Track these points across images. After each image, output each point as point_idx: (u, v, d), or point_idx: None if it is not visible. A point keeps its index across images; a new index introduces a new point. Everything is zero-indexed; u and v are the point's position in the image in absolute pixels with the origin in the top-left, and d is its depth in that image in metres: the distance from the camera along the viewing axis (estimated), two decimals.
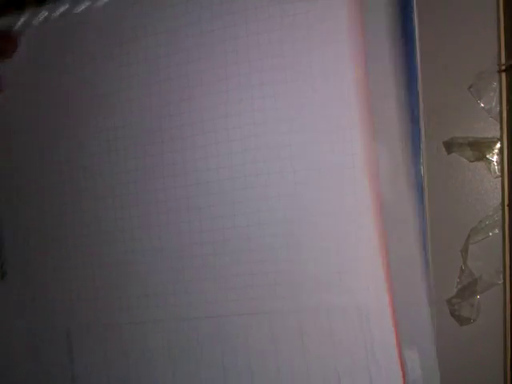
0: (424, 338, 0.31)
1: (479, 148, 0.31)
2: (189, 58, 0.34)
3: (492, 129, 0.31)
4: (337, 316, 0.33)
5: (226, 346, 0.35)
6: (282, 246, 0.33)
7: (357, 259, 0.32)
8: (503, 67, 0.30)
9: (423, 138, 0.32)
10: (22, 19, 0.38)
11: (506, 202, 0.31)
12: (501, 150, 0.31)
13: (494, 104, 0.31)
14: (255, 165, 0.33)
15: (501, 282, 0.31)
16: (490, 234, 0.31)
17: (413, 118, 0.32)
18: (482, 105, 0.31)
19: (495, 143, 0.31)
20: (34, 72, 0.38)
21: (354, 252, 0.32)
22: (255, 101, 0.33)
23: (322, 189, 0.32)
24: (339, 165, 0.32)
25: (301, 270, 0.33)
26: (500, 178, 0.31)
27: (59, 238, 0.38)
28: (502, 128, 0.31)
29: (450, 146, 0.32)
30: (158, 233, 0.35)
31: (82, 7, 0.37)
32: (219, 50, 0.34)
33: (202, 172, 0.34)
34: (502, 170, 0.31)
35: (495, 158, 0.31)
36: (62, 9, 0.37)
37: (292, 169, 0.32)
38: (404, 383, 0.31)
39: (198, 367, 0.35)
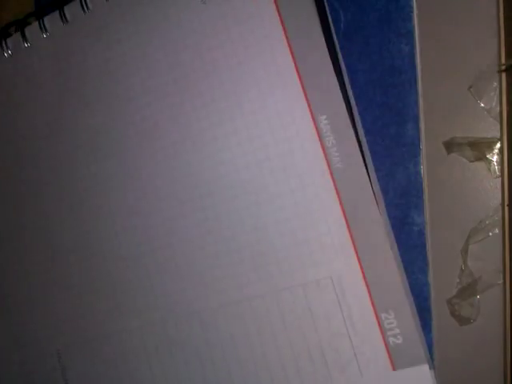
0: (399, 301, 0.32)
1: (479, 148, 0.31)
2: None
3: (492, 129, 0.31)
4: (312, 290, 0.33)
5: (212, 339, 0.35)
6: (252, 230, 0.34)
7: (323, 232, 0.33)
8: (503, 67, 0.30)
9: (423, 139, 0.32)
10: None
11: (506, 202, 0.31)
12: (501, 150, 0.31)
13: (494, 104, 0.31)
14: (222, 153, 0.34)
15: (501, 282, 0.31)
16: (490, 234, 0.31)
17: (413, 118, 0.32)
18: (482, 105, 0.31)
19: (495, 143, 0.31)
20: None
21: (320, 225, 0.33)
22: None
23: (279, 170, 0.33)
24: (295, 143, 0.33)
25: (272, 251, 0.34)
26: (500, 178, 0.31)
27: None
28: (502, 128, 0.31)
29: (449, 146, 0.32)
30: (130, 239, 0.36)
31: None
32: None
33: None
34: (502, 170, 0.31)
35: (495, 158, 0.31)
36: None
37: (255, 157, 0.34)
38: (385, 347, 0.32)
39: (186, 364, 0.36)
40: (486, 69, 0.31)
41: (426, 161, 0.32)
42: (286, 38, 0.33)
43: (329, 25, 0.33)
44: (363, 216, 0.32)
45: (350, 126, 0.32)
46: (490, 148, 0.31)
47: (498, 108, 0.31)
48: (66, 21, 0.37)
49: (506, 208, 0.31)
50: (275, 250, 0.34)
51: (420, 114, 0.32)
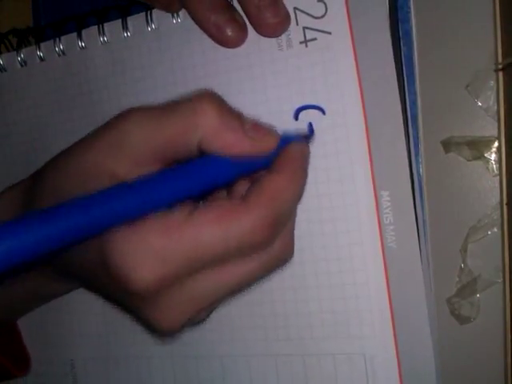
0: None
1: (477, 147, 0.31)
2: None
3: (490, 128, 0.31)
4: (342, 363, 0.33)
5: None
6: (290, 287, 0.33)
7: (364, 307, 0.32)
8: (500, 66, 0.30)
9: (421, 138, 0.32)
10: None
11: (505, 201, 0.31)
12: (499, 148, 0.31)
13: (491, 103, 0.31)
14: None
15: (500, 280, 0.31)
16: (489, 232, 0.31)
17: (411, 118, 0.32)
18: (480, 104, 0.31)
19: (493, 142, 0.31)
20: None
21: (362, 300, 0.32)
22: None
23: (330, 234, 0.33)
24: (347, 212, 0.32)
25: (307, 313, 0.33)
26: (498, 177, 0.31)
27: None
28: (499, 127, 0.31)
29: (447, 145, 0.32)
30: None
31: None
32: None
33: None
34: (500, 169, 0.31)
35: (493, 157, 0.31)
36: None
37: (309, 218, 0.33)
38: None
39: None
40: (483, 68, 0.31)
41: (424, 160, 0.32)
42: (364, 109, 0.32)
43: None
44: (408, 301, 0.31)
45: (412, 206, 0.31)
46: (488, 147, 0.31)
47: (496, 107, 0.31)
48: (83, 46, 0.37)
49: (505, 206, 0.31)
50: (311, 312, 0.33)
51: (418, 114, 0.32)
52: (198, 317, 0.29)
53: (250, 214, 0.26)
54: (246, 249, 0.27)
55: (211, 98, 0.27)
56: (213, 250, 0.26)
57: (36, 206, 0.29)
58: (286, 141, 0.29)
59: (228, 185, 0.30)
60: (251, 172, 0.29)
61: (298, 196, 0.30)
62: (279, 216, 0.27)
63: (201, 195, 0.27)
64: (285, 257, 0.30)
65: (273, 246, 0.28)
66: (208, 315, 0.30)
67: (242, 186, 0.30)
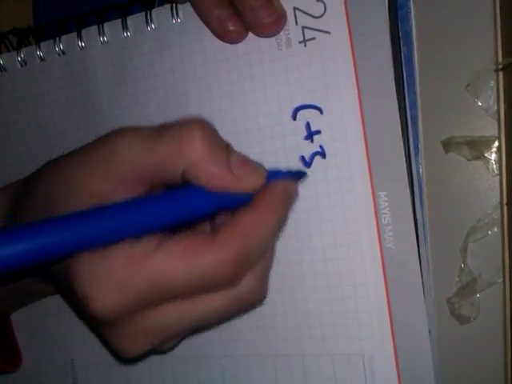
0: None
1: (477, 147, 0.31)
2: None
3: (490, 127, 0.31)
4: (341, 363, 0.33)
5: None
6: (288, 289, 0.33)
7: (362, 307, 0.32)
8: (500, 66, 0.30)
9: (421, 138, 0.32)
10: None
11: (505, 201, 0.31)
12: (499, 148, 0.31)
13: (491, 103, 0.31)
14: None
15: (500, 280, 0.31)
16: (489, 232, 0.31)
17: (411, 118, 0.32)
18: (480, 104, 0.31)
19: (493, 142, 0.31)
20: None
21: (360, 300, 0.32)
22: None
23: (329, 235, 0.32)
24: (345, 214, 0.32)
25: (306, 314, 0.33)
26: (498, 177, 0.31)
27: None
28: (499, 127, 0.31)
29: (447, 145, 0.32)
30: None
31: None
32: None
33: None
34: (500, 169, 0.31)
35: (493, 157, 0.31)
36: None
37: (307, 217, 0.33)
38: None
39: None
40: (483, 68, 0.31)
41: (424, 160, 0.32)
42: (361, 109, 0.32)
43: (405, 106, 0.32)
44: (406, 301, 0.31)
45: (410, 206, 0.31)
46: (488, 147, 0.31)
47: (496, 107, 0.31)
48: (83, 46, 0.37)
49: (505, 206, 0.31)
50: (309, 313, 0.33)
51: (418, 114, 0.32)
52: (163, 346, 0.29)
53: (216, 250, 0.26)
54: (209, 285, 0.27)
55: (201, 126, 0.27)
56: (175, 284, 0.26)
57: (22, 213, 0.29)
58: (273, 177, 0.29)
59: (208, 217, 0.30)
60: (232, 206, 0.28)
61: (271, 235, 0.29)
62: (247, 254, 0.27)
63: (180, 225, 0.27)
64: (254, 298, 0.29)
65: (241, 285, 0.28)
66: (176, 344, 0.31)
67: (223, 218, 0.30)
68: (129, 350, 0.28)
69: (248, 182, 0.28)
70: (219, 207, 0.28)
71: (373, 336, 0.32)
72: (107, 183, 0.26)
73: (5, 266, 0.21)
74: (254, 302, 0.29)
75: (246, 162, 0.28)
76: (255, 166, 0.28)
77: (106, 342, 0.29)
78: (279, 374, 0.33)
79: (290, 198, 0.30)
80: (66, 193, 0.27)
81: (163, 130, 0.27)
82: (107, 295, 0.25)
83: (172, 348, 0.31)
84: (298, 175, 0.32)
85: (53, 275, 0.29)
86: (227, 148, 0.28)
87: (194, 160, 0.26)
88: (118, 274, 0.25)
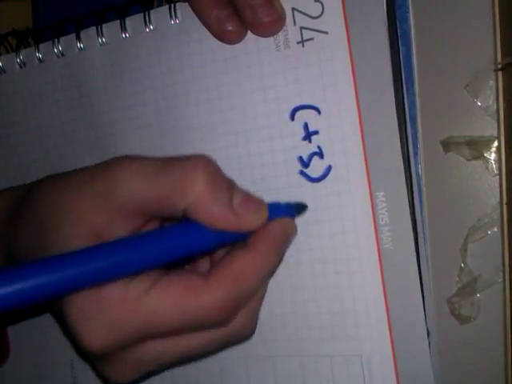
0: None
1: (477, 147, 0.31)
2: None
3: (489, 127, 0.31)
4: (339, 364, 0.33)
5: None
6: (287, 289, 0.33)
7: (360, 308, 0.32)
8: (499, 66, 0.30)
9: (421, 138, 0.32)
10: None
11: (505, 201, 0.31)
12: (498, 148, 0.31)
13: (490, 102, 0.31)
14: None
15: (500, 280, 0.31)
16: (489, 232, 0.31)
17: (410, 118, 0.32)
18: (479, 103, 0.31)
19: (493, 142, 0.31)
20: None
21: (358, 301, 0.32)
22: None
23: (327, 235, 0.32)
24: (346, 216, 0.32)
25: (304, 315, 0.33)
26: (498, 177, 0.31)
27: None
28: (499, 126, 0.31)
29: (447, 145, 0.32)
30: None
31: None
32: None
33: None
34: (499, 169, 0.31)
35: (493, 157, 0.31)
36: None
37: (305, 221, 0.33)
38: None
39: None
40: (482, 68, 0.31)
41: (423, 160, 0.32)
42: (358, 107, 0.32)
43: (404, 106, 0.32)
44: (405, 302, 0.31)
45: (407, 207, 0.31)
46: (488, 146, 0.31)
47: (495, 106, 0.31)
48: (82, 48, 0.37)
49: (505, 206, 0.31)
50: (308, 313, 0.33)
51: (417, 114, 0.32)
52: (152, 373, 0.30)
53: (209, 293, 0.26)
54: (201, 327, 0.27)
55: (204, 165, 0.27)
56: (166, 326, 0.26)
57: (18, 227, 0.29)
58: (272, 214, 0.29)
59: (206, 253, 0.31)
60: (231, 242, 0.29)
61: (266, 276, 0.29)
62: (240, 298, 0.27)
63: (176, 261, 0.27)
64: (244, 334, 0.30)
65: (231, 324, 0.28)
66: (165, 369, 0.32)
67: (221, 253, 0.30)
68: (118, 379, 0.28)
69: (249, 223, 0.28)
70: (217, 244, 0.28)
71: (371, 337, 0.32)
72: (106, 214, 0.26)
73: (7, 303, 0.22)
74: (242, 338, 0.30)
75: (248, 201, 0.28)
76: (257, 206, 0.28)
77: (96, 371, 0.30)
78: (278, 375, 0.33)
79: (288, 239, 0.30)
80: (64, 218, 0.26)
81: (166, 166, 0.27)
82: (98, 333, 0.26)
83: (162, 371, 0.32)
84: (299, 209, 0.32)
85: (46, 305, 0.29)
86: (230, 187, 0.28)
87: (196, 199, 0.26)
88: (109, 313, 0.26)
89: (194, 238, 0.27)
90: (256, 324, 0.31)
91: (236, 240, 0.28)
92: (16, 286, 0.22)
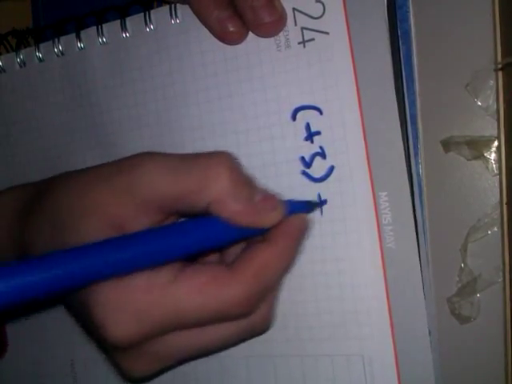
0: None
1: (477, 146, 0.31)
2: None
3: (489, 127, 0.31)
4: (340, 364, 0.33)
5: None
6: (287, 289, 0.33)
7: (362, 308, 0.32)
8: (500, 65, 0.30)
9: (421, 138, 0.32)
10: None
11: (505, 200, 0.31)
12: (498, 148, 0.31)
13: (491, 102, 0.31)
14: None
15: (500, 279, 0.31)
16: (489, 232, 0.31)
17: (410, 117, 0.32)
18: (479, 103, 0.31)
19: (493, 141, 0.31)
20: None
21: (360, 301, 0.32)
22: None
23: (329, 235, 0.33)
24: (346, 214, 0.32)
25: (305, 315, 0.33)
26: (498, 177, 0.31)
27: None
28: (499, 126, 0.31)
29: (447, 144, 0.32)
30: None
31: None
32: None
33: None
34: (499, 169, 0.31)
35: (493, 157, 0.31)
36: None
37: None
38: None
39: None
40: (482, 67, 0.31)
41: (424, 160, 0.32)
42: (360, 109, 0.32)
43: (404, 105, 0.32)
44: (407, 301, 0.31)
45: (410, 206, 0.31)
46: (488, 146, 0.31)
47: (495, 106, 0.31)
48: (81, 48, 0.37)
49: (505, 206, 0.31)
50: (309, 313, 0.33)
51: (417, 114, 0.32)
52: (171, 367, 0.30)
53: (234, 285, 0.27)
54: (223, 317, 0.27)
55: (227, 162, 0.27)
56: (192, 316, 0.26)
57: (33, 221, 0.29)
58: (290, 211, 0.29)
59: (225, 247, 0.31)
60: (249, 237, 0.29)
61: (287, 269, 0.30)
62: (264, 289, 0.28)
63: (195, 255, 0.28)
64: (263, 326, 0.30)
65: (253, 315, 0.28)
66: (186, 363, 0.32)
67: (235, 247, 0.30)
68: (138, 372, 0.28)
69: (269, 219, 0.28)
70: (237, 238, 0.29)
71: (372, 336, 0.32)
72: (129, 208, 0.27)
73: (23, 296, 0.22)
74: (262, 329, 0.30)
75: (267, 198, 0.28)
76: (276, 203, 0.29)
77: (114, 363, 0.29)
78: (278, 374, 0.33)
79: (305, 234, 0.31)
80: (85, 212, 0.27)
81: (190, 162, 0.27)
82: (124, 325, 0.26)
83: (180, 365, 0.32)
84: (312, 206, 0.32)
85: (65, 298, 0.29)
86: (251, 184, 0.28)
87: (219, 196, 0.27)
88: (135, 304, 0.26)
89: (216, 232, 0.27)
90: (274, 317, 0.31)
91: (254, 235, 0.29)
92: (42, 275, 0.22)
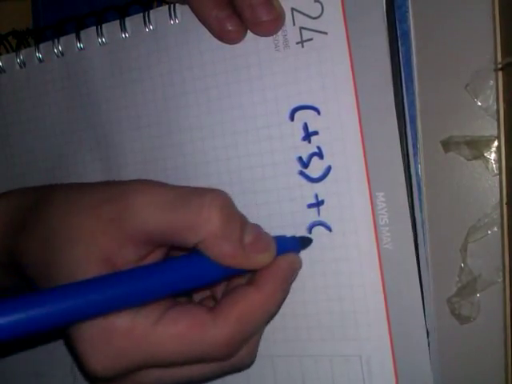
0: None
1: (477, 146, 0.31)
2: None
3: (489, 127, 0.31)
4: (338, 364, 0.33)
5: (229, 382, 0.34)
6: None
7: (360, 309, 0.32)
8: (500, 65, 0.30)
9: (421, 138, 0.32)
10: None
11: (505, 200, 0.31)
12: (498, 148, 0.31)
13: (491, 102, 0.31)
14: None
15: (500, 280, 0.31)
16: (489, 232, 0.31)
17: (410, 117, 0.32)
18: (479, 103, 0.31)
19: (493, 141, 0.31)
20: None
21: (358, 301, 0.32)
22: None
23: (329, 236, 0.32)
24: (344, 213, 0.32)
25: (304, 315, 0.33)
26: (498, 177, 0.31)
27: None
28: (499, 126, 0.31)
29: (447, 145, 0.32)
30: None
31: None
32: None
33: None
34: (499, 169, 0.31)
35: (493, 157, 0.31)
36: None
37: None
38: None
39: None
40: (482, 67, 0.31)
41: (423, 160, 0.32)
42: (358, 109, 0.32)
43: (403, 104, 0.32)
44: (404, 302, 0.31)
45: (407, 207, 0.31)
46: (488, 146, 0.31)
47: (495, 106, 0.31)
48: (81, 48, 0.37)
49: (505, 206, 0.31)
50: (308, 314, 0.33)
51: (417, 114, 0.32)
52: None
53: (216, 330, 0.27)
54: (205, 360, 0.28)
55: (220, 202, 0.27)
56: (171, 359, 0.27)
57: (25, 235, 0.29)
58: (279, 249, 0.29)
59: (212, 285, 0.31)
60: (237, 274, 0.29)
61: (274, 313, 0.30)
62: (247, 335, 0.28)
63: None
64: (244, 364, 0.30)
65: (236, 355, 0.28)
66: None
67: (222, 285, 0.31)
68: None
69: (258, 262, 0.28)
70: (224, 277, 0.29)
71: (370, 337, 0.32)
72: (118, 239, 0.27)
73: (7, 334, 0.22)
74: (242, 367, 0.30)
75: (257, 240, 0.28)
76: (266, 245, 0.29)
77: None
78: (277, 375, 0.33)
79: (294, 275, 0.31)
80: (75, 240, 0.27)
81: (183, 199, 0.27)
82: (104, 360, 0.26)
83: None
84: (304, 243, 0.32)
85: None
86: (242, 225, 0.28)
87: (210, 237, 0.27)
88: (116, 342, 0.26)
89: (202, 271, 0.27)
90: (256, 354, 0.31)
91: (242, 273, 0.29)
92: (29, 313, 0.22)
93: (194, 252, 0.27)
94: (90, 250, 0.26)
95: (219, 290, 0.31)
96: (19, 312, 0.22)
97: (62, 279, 0.26)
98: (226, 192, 0.28)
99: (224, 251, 0.27)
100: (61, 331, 0.28)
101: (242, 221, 0.28)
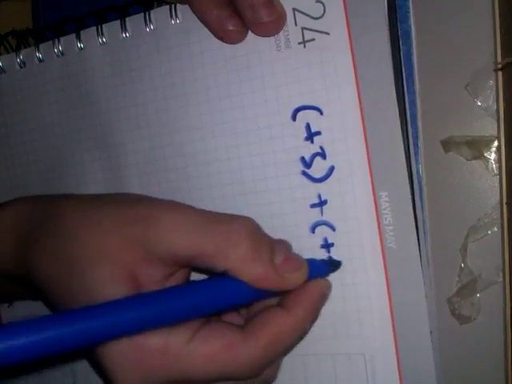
0: None
1: (477, 146, 0.31)
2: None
3: (489, 127, 0.31)
4: (342, 363, 0.33)
5: None
6: None
7: (364, 307, 0.32)
8: (499, 65, 0.30)
9: (421, 138, 0.32)
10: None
11: (505, 200, 0.31)
12: (498, 148, 0.31)
13: (490, 102, 0.31)
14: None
15: (500, 279, 0.31)
16: (489, 232, 0.31)
17: (410, 117, 0.32)
18: (479, 103, 0.31)
19: (493, 141, 0.31)
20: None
21: (362, 300, 0.32)
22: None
23: (334, 235, 0.32)
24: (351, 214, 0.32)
25: None
26: (498, 177, 0.31)
27: None
28: (499, 126, 0.31)
29: (447, 145, 0.32)
30: None
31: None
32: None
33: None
34: (499, 169, 0.31)
35: (493, 157, 0.31)
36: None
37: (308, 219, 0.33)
38: None
39: None
40: (482, 67, 0.31)
41: (424, 160, 0.32)
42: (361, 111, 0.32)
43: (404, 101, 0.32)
44: (408, 301, 0.31)
45: (410, 206, 0.31)
46: (488, 146, 0.31)
47: (495, 106, 0.31)
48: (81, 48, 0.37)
49: (505, 206, 0.31)
50: None
51: (417, 114, 0.32)
52: None
53: (247, 351, 0.27)
54: (233, 379, 0.28)
55: (248, 229, 0.27)
56: (201, 378, 0.27)
57: (35, 253, 0.28)
58: (311, 274, 0.29)
59: (243, 306, 0.31)
60: (268, 297, 0.29)
61: (303, 336, 0.30)
62: (276, 356, 0.28)
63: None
64: (268, 381, 0.30)
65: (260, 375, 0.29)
66: None
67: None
68: None
69: (291, 281, 0.28)
70: (257, 299, 0.29)
71: (374, 335, 0.32)
72: (144, 259, 0.26)
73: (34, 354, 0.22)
74: (267, 382, 0.30)
75: (289, 260, 0.28)
76: (298, 264, 0.29)
77: None
78: (280, 373, 0.33)
79: (324, 299, 0.31)
80: (100, 259, 0.26)
81: (210, 224, 0.27)
82: (135, 379, 0.26)
83: None
84: (334, 266, 0.32)
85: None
86: (271, 247, 0.28)
87: (238, 262, 0.27)
88: (147, 363, 0.26)
89: (235, 293, 0.27)
90: (279, 369, 0.31)
91: (274, 295, 0.29)
92: (61, 331, 0.22)
93: (225, 274, 0.27)
94: (115, 270, 0.26)
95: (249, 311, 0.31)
96: (47, 330, 0.22)
97: (85, 298, 0.26)
98: (253, 220, 0.28)
99: (256, 273, 0.27)
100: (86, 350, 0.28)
101: (271, 243, 0.28)
